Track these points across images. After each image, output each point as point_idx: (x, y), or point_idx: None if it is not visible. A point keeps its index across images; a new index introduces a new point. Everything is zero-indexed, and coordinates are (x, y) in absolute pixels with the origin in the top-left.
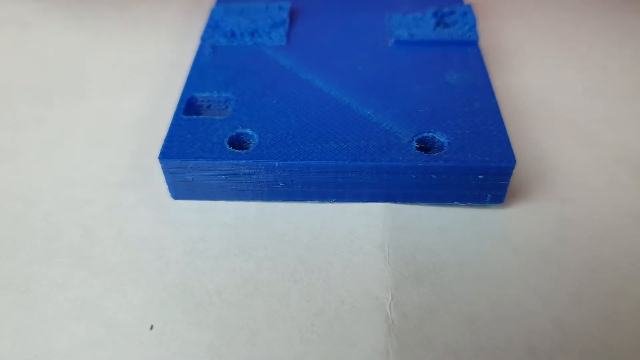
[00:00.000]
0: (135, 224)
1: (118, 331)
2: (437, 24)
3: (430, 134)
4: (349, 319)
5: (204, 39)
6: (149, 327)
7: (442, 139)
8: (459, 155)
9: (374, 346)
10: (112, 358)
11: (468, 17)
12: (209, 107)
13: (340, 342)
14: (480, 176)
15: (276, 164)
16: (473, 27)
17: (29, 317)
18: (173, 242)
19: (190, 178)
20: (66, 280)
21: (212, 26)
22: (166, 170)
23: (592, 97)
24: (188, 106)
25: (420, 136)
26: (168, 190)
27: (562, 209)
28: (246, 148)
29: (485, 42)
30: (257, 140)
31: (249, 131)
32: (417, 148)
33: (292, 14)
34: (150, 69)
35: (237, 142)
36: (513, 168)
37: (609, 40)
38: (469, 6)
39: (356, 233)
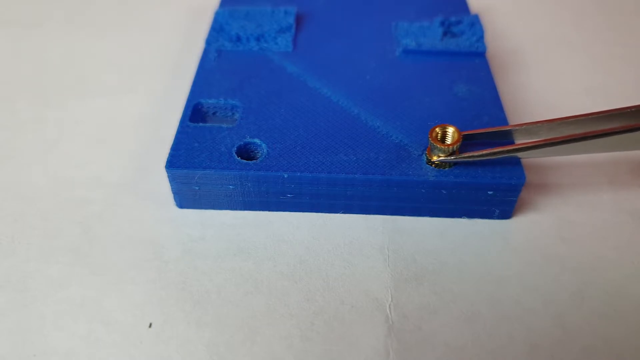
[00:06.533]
0: (134, 223)
1: (117, 329)
2: (445, 34)
3: None
4: (349, 319)
5: (208, 42)
6: (148, 325)
7: None
8: (469, 170)
9: (374, 346)
10: (111, 356)
11: (476, 27)
12: (214, 113)
13: (341, 342)
14: (489, 192)
15: (285, 176)
16: (481, 38)
17: (28, 316)
18: (172, 241)
19: (197, 188)
20: (65, 278)
21: (217, 29)
22: (172, 180)
23: (593, 96)
24: (194, 112)
25: None
26: (172, 199)
27: (563, 208)
28: (254, 158)
29: (490, 44)
30: (265, 150)
31: (257, 141)
32: (426, 162)
33: (298, 19)
34: (150, 69)
35: (245, 152)
36: (523, 185)
37: (610, 40)
38: (477, 16)
39: (356, 235)
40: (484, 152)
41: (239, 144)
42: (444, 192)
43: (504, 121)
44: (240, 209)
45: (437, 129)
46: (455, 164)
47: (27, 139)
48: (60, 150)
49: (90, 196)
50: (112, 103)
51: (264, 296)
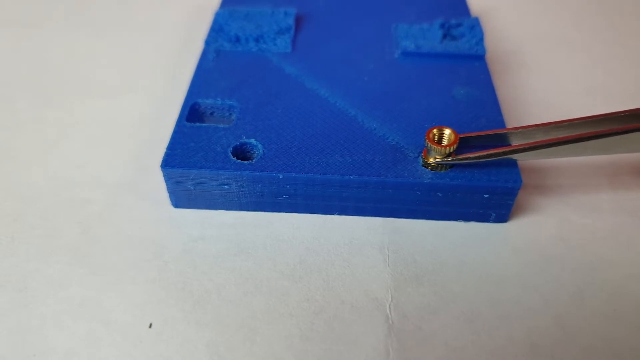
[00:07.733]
0: (134, 223)
1: (117, 329)
2: (444, 36)
3: None
4: (349, 319)
5: (207, 43)
6: (148, 325)
7: None
8: (465, 173)
9: (374, 346)
10: (111, 356)
11: (476, 30)
12: (212, 114)
13: (341, 341)
14: (485, 195)
15: (280, 176)
16: (480, 40)
17: (28, 316)
18: (172, 241)
19: (192, 187)
20: (64, 278)
21: (216, 30)
22: (168, 179)
23: (593, 96)
24: (191, 112)
25: None
26: (169, 199)
27: (563, 209)
28: (250, 158)
29: (490, 45)
30: (261, 150)
31: (253, 141)
32: (422, 164)
33: (298, 20)
34: (150, 69)
35: (241, 152)
36: (519, 188)
37: (610, 40)
38: (477, 19)
39: (355, 235)
40: (480, 153)
41: (235, 144)
42: (440, 194)
43: (502, 124)
44: (236, 209)
45: (434, 130)
46: (452, 166)
47: (27, 139)
48: (60, 150)
49: (90, 196)
50: (111, 103)
51: (264, 296)
